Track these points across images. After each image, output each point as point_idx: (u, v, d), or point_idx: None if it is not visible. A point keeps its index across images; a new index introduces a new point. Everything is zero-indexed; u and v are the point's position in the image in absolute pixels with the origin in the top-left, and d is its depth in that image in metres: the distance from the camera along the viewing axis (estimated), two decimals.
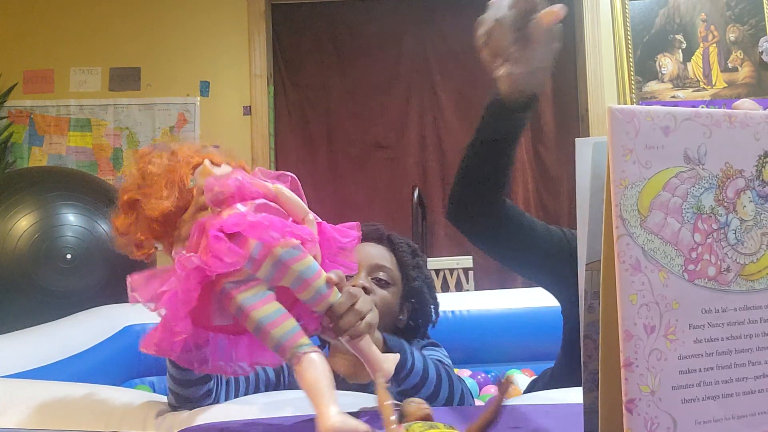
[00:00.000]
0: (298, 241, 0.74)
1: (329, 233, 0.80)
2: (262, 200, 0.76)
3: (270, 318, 0.70)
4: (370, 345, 0.79)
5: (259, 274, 0.72)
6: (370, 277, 1.22)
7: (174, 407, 0.93)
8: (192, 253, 0.71)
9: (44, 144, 3.41)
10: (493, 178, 1.04)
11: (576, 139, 0.56)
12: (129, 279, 0.75)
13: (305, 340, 0.69)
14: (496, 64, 0.96)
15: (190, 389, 0.92)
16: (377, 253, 1.26)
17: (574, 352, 0.90)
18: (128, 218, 0.79)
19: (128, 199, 0.79)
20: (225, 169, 0.79)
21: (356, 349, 0.79)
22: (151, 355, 0.75)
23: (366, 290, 1.18)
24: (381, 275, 1.23)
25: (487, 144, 1.02)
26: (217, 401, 0.96)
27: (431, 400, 0.96)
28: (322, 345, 1.23)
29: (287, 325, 0.70)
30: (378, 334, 0.91)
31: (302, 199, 0.79)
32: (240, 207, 0.73)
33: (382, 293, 1.22)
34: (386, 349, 0.92)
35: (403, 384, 0.94)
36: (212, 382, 0.95)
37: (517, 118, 1.00)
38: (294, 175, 0.80)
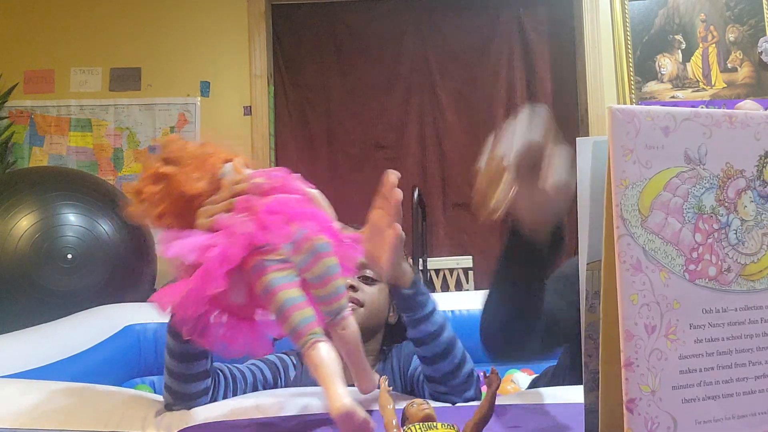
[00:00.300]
0: (330, 240, 0.79)
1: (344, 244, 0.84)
2: (300, 197, 0.81)
3: (295, 301, 0.73)
4: (361, 354, 0.80)
5: (294, 259, 0.76)
6: (356, 276, 1.22)
7: (170, 406, 0.92)
8: (246, 216, 0.75)
9: (45, 144, 3.41)
10: (522, 320, 0.96)
11: (577, 138, 0.56)
12: (160, 236, 0.78)
13: (320, 329, 0.72)
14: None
15: (189, 385, 0.91)
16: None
17: (575, 351, 0.89)
18: (155, 188, 0.83)
19: (161, 172, 0.82)
20: (249, 171, 0.84)
21: (348, 356, 0.80)
22: (163, 311, 0.76)
23: (353, 288, 1.19)
24: (368, 272, 1.23)
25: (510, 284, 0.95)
26: (214, 401, 0.96)
27: (443, 357, 0.97)
28: None
29: (308, 312, 0.73)
30: (409, 270, 0.96)
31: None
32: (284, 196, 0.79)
33: (369, 290, 1.22)
34: (414, 286, 0.96)
35: (419, 329, 0.96)
36: (210, 380, 0.95)
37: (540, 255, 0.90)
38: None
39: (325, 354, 0.70)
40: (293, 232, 0.76)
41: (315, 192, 0.85)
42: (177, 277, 0.79)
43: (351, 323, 0.79)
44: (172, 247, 0.76)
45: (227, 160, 0.84)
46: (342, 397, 0.67)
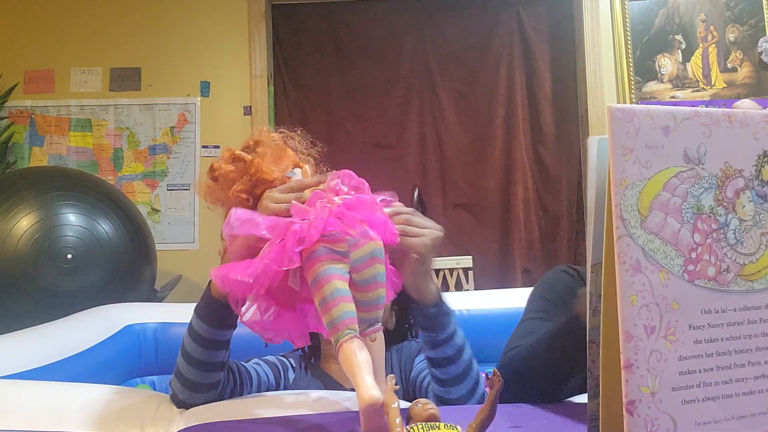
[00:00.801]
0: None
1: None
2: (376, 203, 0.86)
3: (342, 293, 0.75)
4: (382, 369, 0.81)
5: (353, 256, 0.78)
6: None
7: (176, 396, 0.92)
8: (330, 200, 0.79)
9: (45, 144, 3.41)
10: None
11: (588, 138, 0.56)
12: (233, 211, 0.81)
13: (356, 326, 0.74)
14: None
15: (205, 373, 0.91)
16: None
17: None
18: (232, 167, 0.91)
19: (237, 154, 0.92)
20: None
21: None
22: (224, 288, 0.79)
23: None
24: None
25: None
26: (221, 397, 0.96)
27: (459, 382, 0.95)
28: (312, 353, 1.22)
29: (352, 307, 0.75)
30: (434, 289, 0.95)
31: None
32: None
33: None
34: (437, 305, 0.94)
35: (438, 350, 0.94)
36: (223, 373, 0.95)
37: None
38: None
39: (359, 348, 0.71)
40: (362, 229, 0.78)
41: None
42: (226, 257, 0.83)
43: (380, 337, 0.80)
44: (245, 225, 0.79)
45: (297, 166, 0.92)
46: (371, 388, 0.67)
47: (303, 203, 0.83)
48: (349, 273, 0.78)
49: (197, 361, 0.91)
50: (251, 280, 0.76)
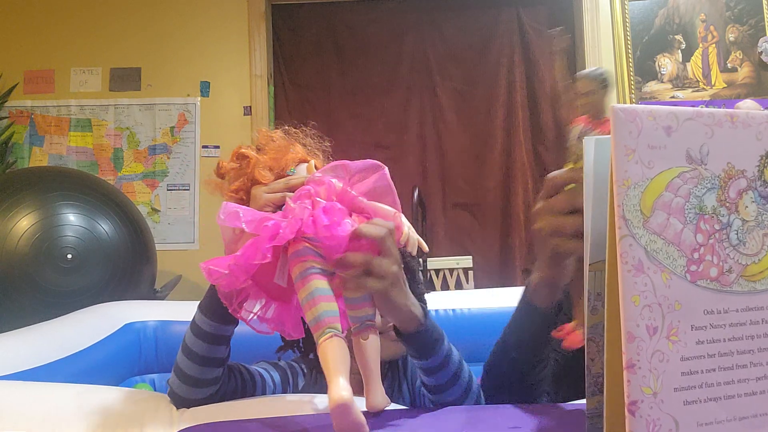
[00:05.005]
0: None
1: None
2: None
3: (325, 292, 0.76)
4: (377, 368, 0.81)
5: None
6: None
7: (174, 394, 0.92)
8: (307, 203, 0.80)
9: (45, 144, 3.41)
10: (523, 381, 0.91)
11: (585, 138, 0.56)
12: (224, 204, 0.83)
13: (339, 325, 0.75)
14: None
15: (205, 369, 0.92)
16: None
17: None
18: (233, 164, 0.92)
19: (242, 152, 0.92)
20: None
21: (364, 368, 0.81)
22: (211, 279, 0.81)
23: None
24: None
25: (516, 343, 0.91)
26: (221, 398, 0.96)
27: (450, 396, 0.93)
28: (309, 348, 1.20)
29: (334, 306, 0.76)
30: (414, 314, 0.87)
31: (393, 190, 0.87)
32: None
33: None
34: (422, 327, 0.87)
35: (431, 377, 0.92)
36: (222, 371, 0.95)
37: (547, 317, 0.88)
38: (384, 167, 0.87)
39: (337, 347, 0.72)
40: (340, 235, 0.78)
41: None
42: (225, 250, 0.84)
43: (374, 336, 0.80)
44: (230, 217, 0.80)
45: (303, 161, 0.92)
46: (342, 389, 0.68)
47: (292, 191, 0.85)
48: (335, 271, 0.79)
49: (197, 356, 0.91)
50: (226, 272, 0.78)
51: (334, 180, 0.86)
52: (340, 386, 0.68)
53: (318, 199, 0.82)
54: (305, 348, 1.18)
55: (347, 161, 0.88)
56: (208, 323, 0.91)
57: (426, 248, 0.90)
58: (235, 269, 0.78)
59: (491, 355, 0.97)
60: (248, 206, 0.87)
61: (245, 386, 1.03)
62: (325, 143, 1.00)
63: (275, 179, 0.89)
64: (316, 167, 0.92)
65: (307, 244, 0.78)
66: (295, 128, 0.99)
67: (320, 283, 0.77)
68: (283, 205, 0.85)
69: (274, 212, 0.85)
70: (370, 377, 0.81)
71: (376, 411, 0.80)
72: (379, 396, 0.81)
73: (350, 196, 0.84)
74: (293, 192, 0.86)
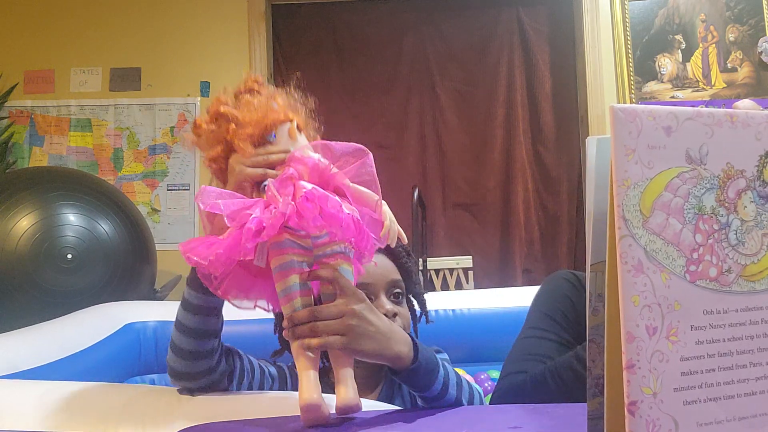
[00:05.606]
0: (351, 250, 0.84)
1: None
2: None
3: (300, 287, 0.79)
4: (349, 368, 0.80)
5: (316, 252, 0.81)
6: (390, 297, 1.11)
7: (173, 370, 0.93)
8: (288, 199, 0.78)
9: (45, 144, 3.41)
10: None
11: (587, 138, 0.56)
12: (203, 188, 0.81)
13: None
14: None
15: (199, 341, 0.92)
16: (389, 266, 1.14)
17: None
18: (210, 126, 0.87)
19: (221, 112, 0.86)
20: (302, 140, 0.89)
21: (336, 365, 0.81)
22: (190, 263, 0.80)
23: (393, 313, 1.07)
24: (396, 290, 1.13)
25: None
26: (218, 375, 0.96)
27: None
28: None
29: (309, 301, 0.79)
30: (406, 346, 0.86)
31: (376, 178, 0.86)
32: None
33: (402, 310, 1.12)
34: (413, 364, 0.86)
35: (428, 404, 0.91)
36: (217, 342, 0.95)
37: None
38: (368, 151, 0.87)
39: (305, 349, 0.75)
40: (323, 225, 0.78)
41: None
42: (205, 228, 0.83)
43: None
44: (213, 206, 0.79)
45: (285, 121, 0.87)
46: (311, 390, 0.72)
47: (272, 167, 0.83)
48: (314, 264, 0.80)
49: (191, 330, 0.92)
50: (206, 263, 0.78)
51: (316, 156, 0.84)
52: (310, 387, 0.73)
53: (301, 182, 0.80)
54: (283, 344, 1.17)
55: (330, 142, 0.87)
56: (195, 296, 0.91)
57: (405, 239, 0.90)
58: (216, 263, 0.78)
59: (515, 386, 0.98)
60: (226, 177, 0.85)
61: (243, 372, 1.02)
62: (309, 102, 0.96)
63: (255, 144, 0.85)
64: (298, 128, 0.89)
65: (288, 236, 0.79)
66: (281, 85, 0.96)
67: (298, 278, 0.79)
68: (262, 181, 0.83)
69: (252, 189, 0.83)
70: (341, 374, 0.79)
71: (346, 410, 0.78)
72: (350, 397, 0.78)
73: (333, 176, 0.83)
74: (273, 168, 0.84)
